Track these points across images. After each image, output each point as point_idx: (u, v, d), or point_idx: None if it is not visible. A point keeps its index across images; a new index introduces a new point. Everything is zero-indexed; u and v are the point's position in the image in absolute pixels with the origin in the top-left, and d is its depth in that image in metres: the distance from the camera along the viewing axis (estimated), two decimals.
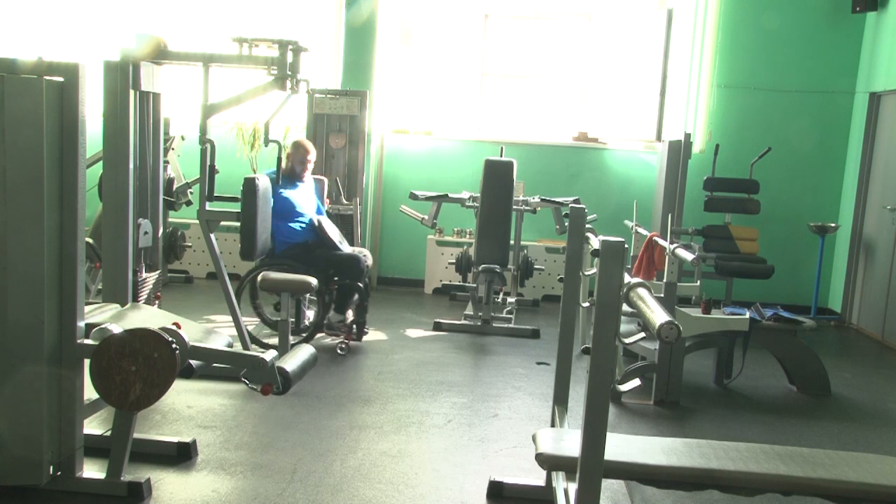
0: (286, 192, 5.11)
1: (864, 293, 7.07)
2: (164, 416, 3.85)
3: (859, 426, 4.48)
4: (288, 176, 5.19)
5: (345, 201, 6.37)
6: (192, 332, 3.21)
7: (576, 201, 6.13)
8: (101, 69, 3.96)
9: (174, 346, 2.86)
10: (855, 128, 7.35)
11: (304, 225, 5.21)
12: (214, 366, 3.56)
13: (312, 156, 5.31)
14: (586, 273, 3.21)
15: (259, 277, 4.76)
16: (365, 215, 7.09)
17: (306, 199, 5.31)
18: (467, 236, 7.35)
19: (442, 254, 7.43)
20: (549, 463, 2.51)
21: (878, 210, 6.90)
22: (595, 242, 2.92)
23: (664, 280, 4.58)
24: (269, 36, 4.36)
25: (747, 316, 4.78)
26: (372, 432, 3.82)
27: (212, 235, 4.53)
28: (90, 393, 2.94)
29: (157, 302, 4.61)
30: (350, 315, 5.35)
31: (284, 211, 5.10)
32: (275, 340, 4.70)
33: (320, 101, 6.87)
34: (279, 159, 4.84)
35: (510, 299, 6.81)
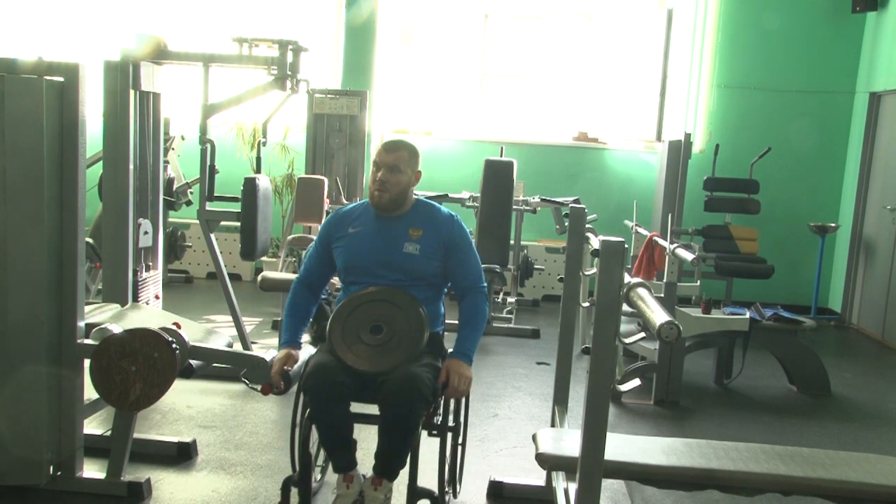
0: (353, 230, 2.92)
1: (864, 293, 7.07)
2: (164, 416, 3.85)
3: (859, 426, 4.48)
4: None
5: (344, 201, 6.37)
6: (192, 332, 3.21)
7: (576, 201, 6.13)
8: (101, 69, 3.96)
9: (174, 346, 2.86)
10: (855, 128, 7.35)
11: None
12: (214, 366, 3.55)
13: (390, 158, 2.92)
14: (586, 273, 3.21)
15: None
16: None
17: (385, 245, 2.88)
18: None
19: None
20: (549, 463, 2.51)
21: (878, 210, 6.90)
22: (595, 242, 2.92)
23: (664, 280, 4.58)
24: (269, 36, 4.36)
25: (747, 316, 4.78)
26: (372, 432, 3.81)
27: (212, 235, 4.53)
28: (90, 393, 2.94)
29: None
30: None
31: (340, 264, 2.95)
32: None
33: (320, 101, 6.87)
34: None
35: (510, 299, 6.81)
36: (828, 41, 7.34)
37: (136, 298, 4.13)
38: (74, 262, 2.87)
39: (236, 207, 4.53)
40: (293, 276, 4.92)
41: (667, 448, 2.59)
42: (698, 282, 4.95)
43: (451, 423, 2.96)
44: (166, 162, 6.08)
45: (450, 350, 2.90)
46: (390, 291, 2.80)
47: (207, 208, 4.49)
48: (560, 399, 3.25)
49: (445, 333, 3.05)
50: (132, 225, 4.04)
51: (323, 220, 3.18)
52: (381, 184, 2.87)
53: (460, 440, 3.11)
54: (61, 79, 2.80)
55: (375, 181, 2.89)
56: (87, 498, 2.97)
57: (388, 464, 2.73)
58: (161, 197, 4.44)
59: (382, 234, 2.89)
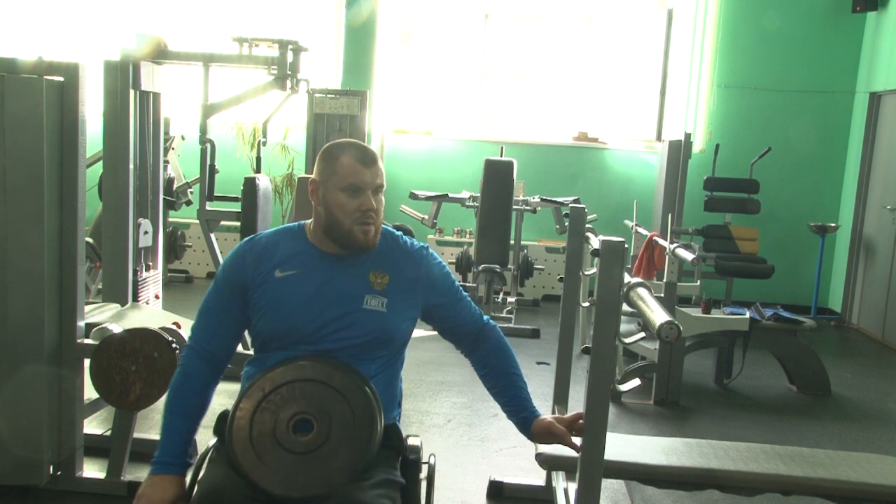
0: (282, 274, 1.93)
1: (864, 293, 7.07)
2: None
3: (859, 426, 4.48)
4: (328, 234, 1.94)
5: None
6: None
7: (576, 201, 6.13)
8: (101, 69, 3.96)
9: (174, 345, 2.86)
10: (855, 128, 7.35)
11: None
12: None
13: (374, 176, 1.97)
14: (586, 273, 3.21)
15: None
16: None
17: (336, 299, 1.90)
18: (467, 236, 7.34)
19: (442, 253, 7.42)
20: (549, 463, 2.51)
21: (878, 210, 6.90)
22: (595, 242, 2.92)
23: (664, 280, 4.58)
24: (269, 36, 4.37)
25: (747, 316, 4.78)
26: None
27: (212, 235, 4.53)
28: (90, 393, 2.94)
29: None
30: None
31: (261, 326, 1.98)
32: None
33: (320, 101, 6.86)
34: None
35: (510, 299, 6.81)
36: (828, 41, 7.34)
37: (136, 298, 4.13)
38: (74, 262, 2.87)
39: (236, 207, 4.53)
40: None
41: (667, 448, 2.59)
42: (698, 282, 4.95)
43: None
44: (166, 162, 6.09)
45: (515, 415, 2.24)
46: (323, 365, 1.80)
47: (207, 208, 4.49)
48: (560, 399, 3.25)
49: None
50: (132, 225, 4.04)
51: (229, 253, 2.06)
52: (369, 216, 1.90)
53: None
54: (61, 79, 2.80)
55: (356, 212, 1.89)
56: (87, 498, 2.96)
57: None
58: (161, 197, 4.44)
59: (333, 283, 1.90)
